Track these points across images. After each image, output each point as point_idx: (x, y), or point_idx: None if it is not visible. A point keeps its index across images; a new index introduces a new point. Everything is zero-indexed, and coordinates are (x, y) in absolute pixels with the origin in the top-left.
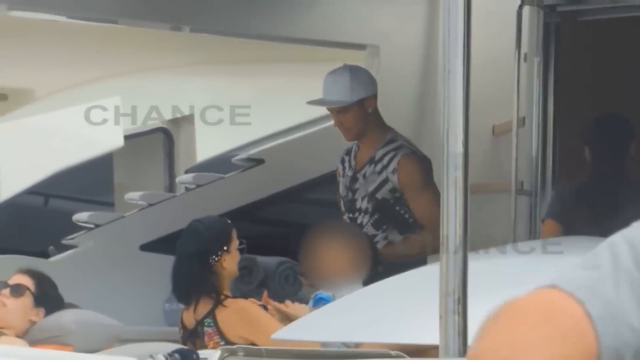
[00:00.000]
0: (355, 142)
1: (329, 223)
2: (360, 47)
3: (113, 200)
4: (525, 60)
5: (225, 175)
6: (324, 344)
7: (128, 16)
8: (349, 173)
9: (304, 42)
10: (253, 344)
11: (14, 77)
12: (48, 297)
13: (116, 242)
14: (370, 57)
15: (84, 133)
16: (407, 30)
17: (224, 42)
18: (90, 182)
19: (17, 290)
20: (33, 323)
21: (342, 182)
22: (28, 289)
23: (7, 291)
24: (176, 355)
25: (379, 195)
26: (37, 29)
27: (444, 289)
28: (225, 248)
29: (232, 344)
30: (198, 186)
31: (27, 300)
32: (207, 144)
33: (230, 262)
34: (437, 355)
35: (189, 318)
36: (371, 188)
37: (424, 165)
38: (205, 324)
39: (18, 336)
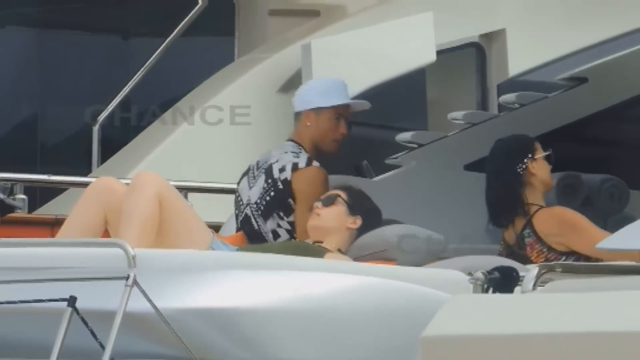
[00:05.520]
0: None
1: None
2: None
3: (426, 116)
4: None
5: (549, 95)
6: None
7: None
8: None
9: None
10: (573, 251)
11: None
12: (363, 207)
13: (439, 161)
14: None
15: (397, 48)
16: None
17: None
18: (403, 98)
19: (329, 199)
20: (351, 231)
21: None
22: (339, 196)
23: (319, 203)
24: (495, 272)
25: None
26: None
27: None
28: (529, 155)
29: (554, 250)
30: (521, 105)
31: (340, 208)
32: (519, 58)
33: (539, 169)
34: None
35: (510, 234)
36: None
37: None
38: (525, 235)
39: (340, 250)
